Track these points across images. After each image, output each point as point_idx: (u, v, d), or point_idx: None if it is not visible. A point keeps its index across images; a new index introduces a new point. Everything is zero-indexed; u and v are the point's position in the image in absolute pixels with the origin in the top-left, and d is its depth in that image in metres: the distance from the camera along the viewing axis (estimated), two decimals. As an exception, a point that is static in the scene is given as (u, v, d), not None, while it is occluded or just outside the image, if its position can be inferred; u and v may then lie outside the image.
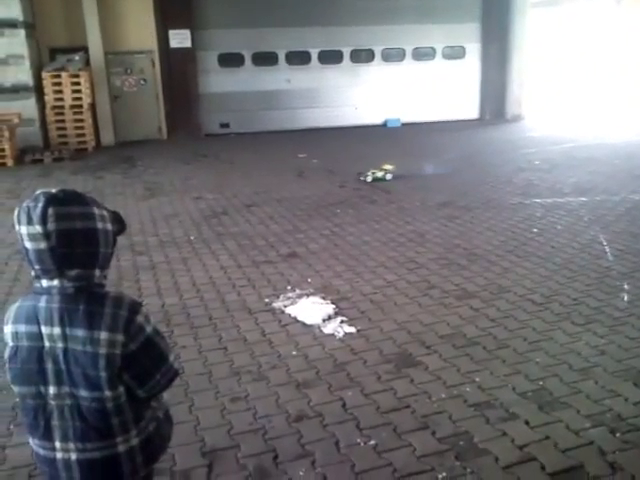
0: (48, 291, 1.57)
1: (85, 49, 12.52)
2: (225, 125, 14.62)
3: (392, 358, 3.68)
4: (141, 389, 1.66)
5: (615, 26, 26.76)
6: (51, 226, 1.50)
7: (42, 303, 1.58)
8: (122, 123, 13.29)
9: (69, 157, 11.46)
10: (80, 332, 1.56)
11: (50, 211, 1.50)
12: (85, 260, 1.57)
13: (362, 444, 2.88)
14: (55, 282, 1.55)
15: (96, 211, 1.58)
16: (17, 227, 1.53)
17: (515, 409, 3.10)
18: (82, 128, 12.32)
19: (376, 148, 12.26)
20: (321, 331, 4.07)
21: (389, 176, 8.79)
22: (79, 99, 12.23)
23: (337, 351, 3.79)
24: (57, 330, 1.57)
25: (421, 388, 3.33)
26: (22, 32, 11.65)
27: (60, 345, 1.58)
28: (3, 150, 11.06)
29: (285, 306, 4.48)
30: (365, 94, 15.41)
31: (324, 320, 4.22)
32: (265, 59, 14.74)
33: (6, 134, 11.00)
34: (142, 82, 13.57)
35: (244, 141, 13.56)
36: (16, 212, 1.54)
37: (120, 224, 1.66)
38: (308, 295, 4.68)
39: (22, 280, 5.13)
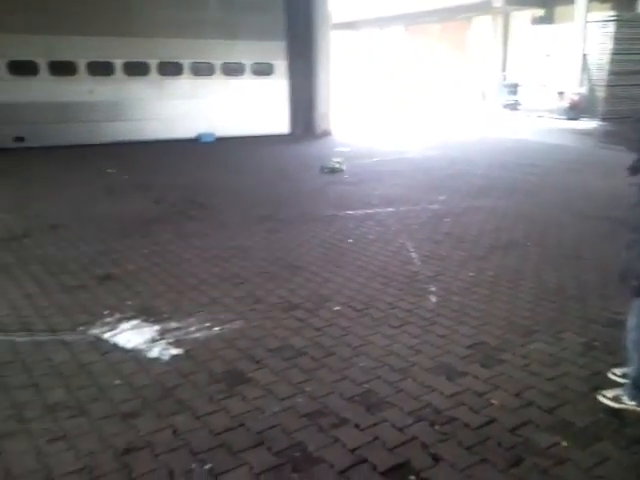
0: None
1: None
2: (20, 139, 13.39)
3: (223, 377, 3.60)
4: None
5: (404, 49, 29.79)
6: None
7: None
8: None
9: None
10: None
11: None
12: None
13: (197, 469, 2.78)
14: None
15: None
16: None
17: (345, 414, 3.21)
18: None
19: (190, 162, 12.05)
20: (145, 356, 3.86)
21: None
22: None
23: (164, 375, 3.62)
24: None
25: (254, 404, 3.30)
26: None
27: None
28: None
29: (103, 332, 4.18)
30: (175, 108, 15.12)
31: (148, 344, 4.01)
32: (64, 69, 13.78)
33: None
34: None
35: (44, 156, 12.53)
36: None
37: None
38: (129, 319, 4.42)
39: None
